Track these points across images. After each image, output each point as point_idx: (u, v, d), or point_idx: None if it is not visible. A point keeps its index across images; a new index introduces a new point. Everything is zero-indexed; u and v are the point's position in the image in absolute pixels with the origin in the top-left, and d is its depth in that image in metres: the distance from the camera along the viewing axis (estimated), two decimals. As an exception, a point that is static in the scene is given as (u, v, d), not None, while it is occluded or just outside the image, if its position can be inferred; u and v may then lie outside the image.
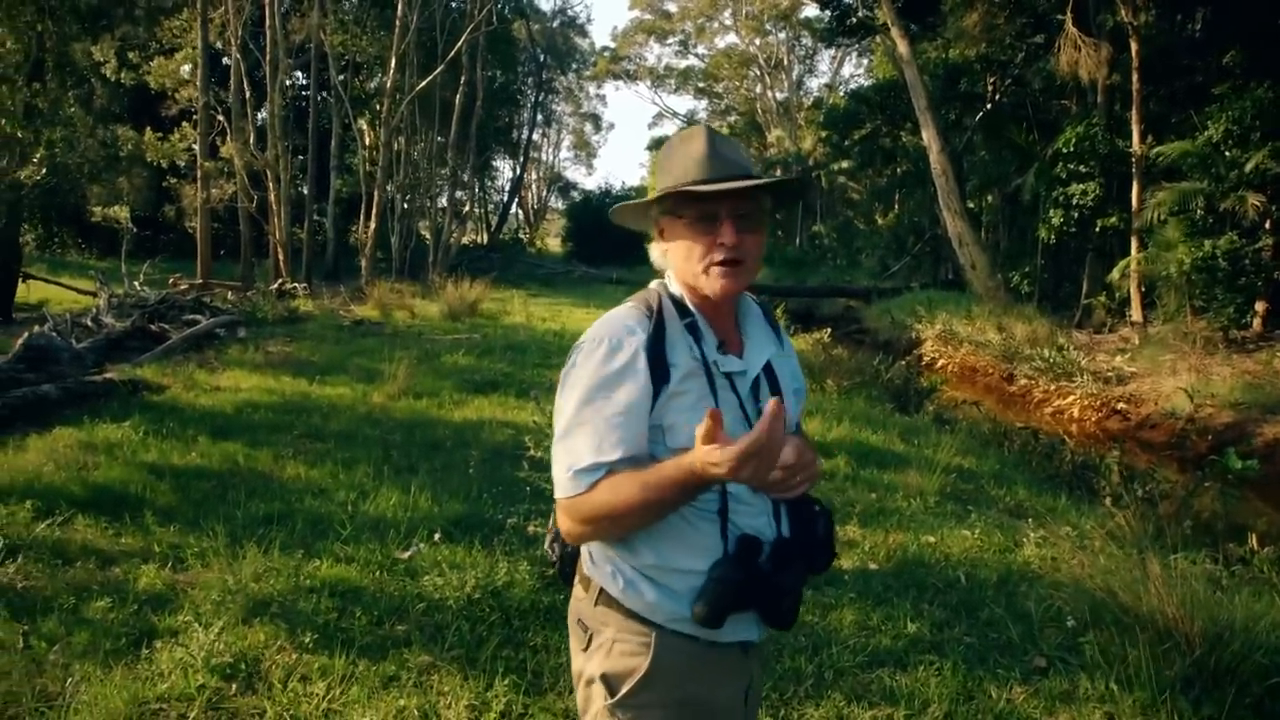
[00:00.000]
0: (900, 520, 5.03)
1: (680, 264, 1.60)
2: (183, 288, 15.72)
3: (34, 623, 3.38)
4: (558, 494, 1.54)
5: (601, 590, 1.60)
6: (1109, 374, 13.22)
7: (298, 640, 3.26)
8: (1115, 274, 16.20)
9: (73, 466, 5.35)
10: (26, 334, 8.69)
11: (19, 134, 9.70)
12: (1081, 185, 16.51)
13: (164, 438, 6.10)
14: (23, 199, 10.79)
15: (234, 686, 3.01)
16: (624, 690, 1.55)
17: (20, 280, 14.57)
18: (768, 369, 1.66)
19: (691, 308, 1.60)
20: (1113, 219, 16.43)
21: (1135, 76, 16.13)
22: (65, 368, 8.39)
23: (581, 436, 1.51)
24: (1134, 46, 16.06)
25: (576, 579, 1.69)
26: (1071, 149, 16.66)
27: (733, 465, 1.29)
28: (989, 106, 22.63)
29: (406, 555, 4.13)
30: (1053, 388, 13.43)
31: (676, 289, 1.63)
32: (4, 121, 9.39)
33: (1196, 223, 14.01)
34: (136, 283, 14.62)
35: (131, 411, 6.86)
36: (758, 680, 1.72)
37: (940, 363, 16.49)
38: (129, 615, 3.47)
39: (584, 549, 1.67)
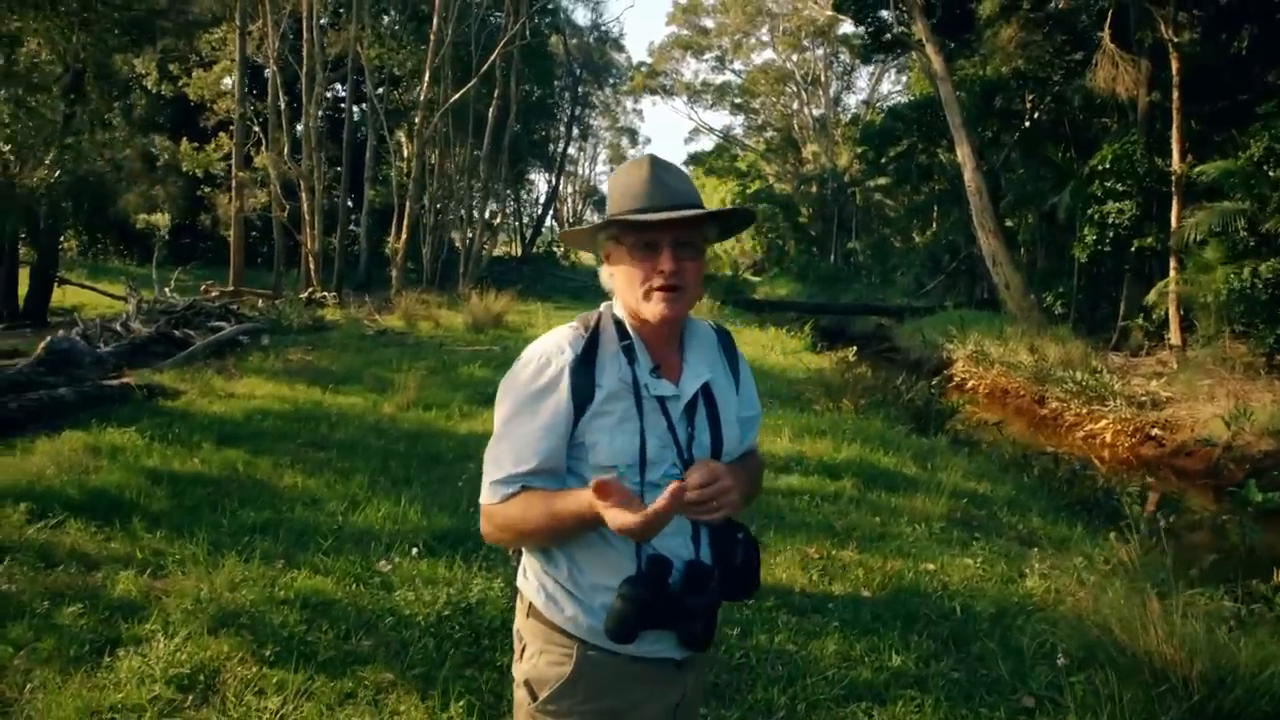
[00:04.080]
0: (901, 546, 4.86)
1: (623, 288, 1.63)
2: (213, 295, 15.96)
3: (3, 628, 3.37)
4: (481, 499, 1.63)
5: (531, 604, 1.66)
6: (1144, 398, 12.84)
7: (260, 653, 3.21)
8: (1153, 296, 15.79)
9: (74, 470, 5.38)
10: (49, 338, 8.85)
11: (31, 140, 9.89)
12: (1118, 204, 16.14)
13: (169, 443, 6.14)
14: (46, 204, 10.97)
15: (189, 698, 2.96)
16: (543, 695, 1.61)
17: (56, 285, 14.93)
18: (707, 395, 1.66)
19: (630, 331, 1.64)
20: (1149, 239, 16.03)
21: (1175, 94, 15.76)
22: (86, 371, 8.52)
23: (504, 449, 1.60)
24: (1174, 64, 15.71)
25: (517, 591, 1.74)
26: (1108, 167, 16.31)
27: (623, 529, 1.39)
28: (1027, 124, 22.28)
29: (386, 568, 4.07)
30: (1085, 411, 13.08)
31: (620, 311, 1.66)
32: (18, 126, 9.56)
33: (1237, 244, 13.60)
34: (168, 289, 14.87)
35: (142, 416, 6.93)
36: (693, 696, 1.73)
37: (971, 383, 16.17)
38: (98, 622, 3.45)
39: (521, 564, 1.73)
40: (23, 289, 14.65)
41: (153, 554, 4.17)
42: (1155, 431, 11.99)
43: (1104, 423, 12.52)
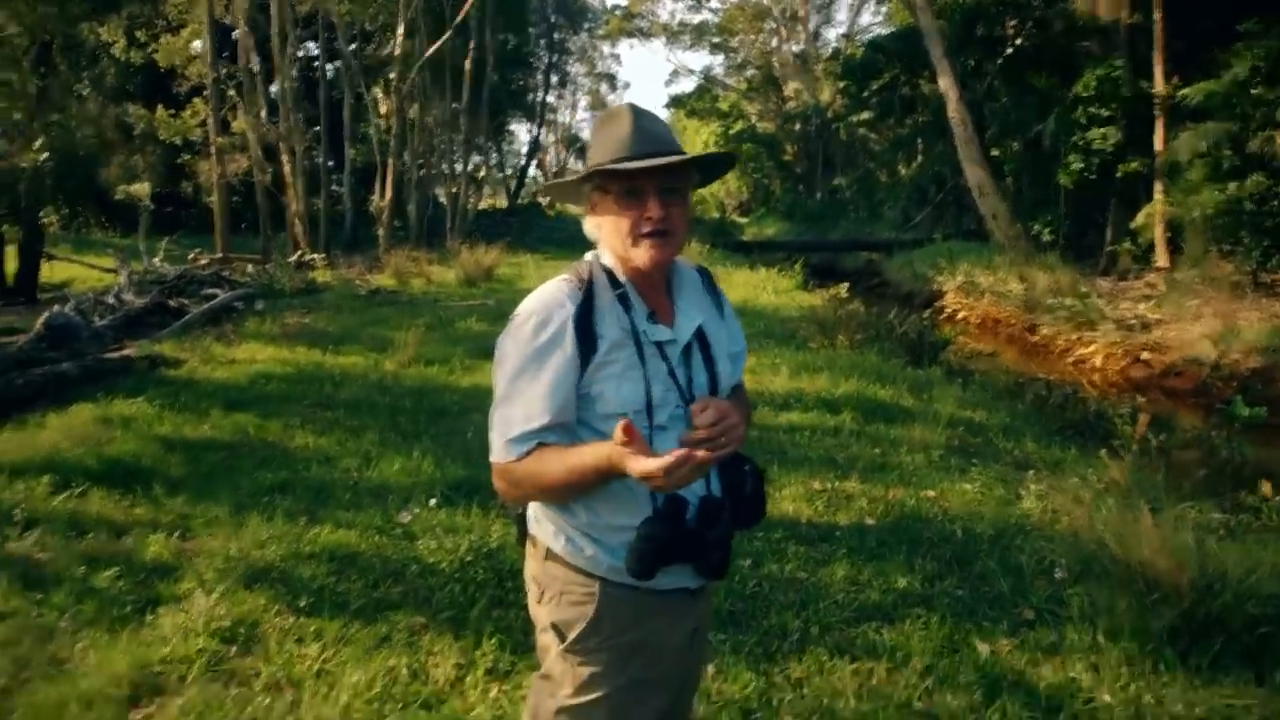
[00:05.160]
0: (901, 475, 5.02)
1: (611, 237, 1.65)
2: (202, 263, 15.89)
3: (45, 594, 3.50)
4: (492, 458, 1.65)
5: (548, 549, 1.71)
6: (1132, 321, 13.00)
7: (294, 604, 3.36)
8: (1139, 219, 15.85)
9: (89, 441, 5.46)
10: (46, 313, 8.85)
11: (18, 117, 9.78)
12: (1102, 130, 16.12)
13: (178, 411, 6.22)
14: (26, 181, 10.89)
15: (233, 649, 3.10)
16: (572, 636, 1.67)
17: (44, 260, 14.84)
18: (701, 335, 1.72)
19: (622, 279, 1.67)
20: (1134, 164, 16.04)
21: (1157, 15, 15.64)
22: (85, 345, 8.55)
23: (514, 407, 1.61)
24: (1157, -17, 15.57)
25: (527, 538, 1.80)
26: (1092, 92, 16.24)
27: (653, 479, 1.41)
28: (1009, 51, 22.05)
29: (406, 519, 4.21)
30: (1075, 337, 13.23)
31: (609, 260, 1.69)
32: (5, 105, 9.46)
33: (1222, 164, 13.64)
34: (157, 259, 14.79)
35: (147, 386, 6.99)
36: (705, 621, 1.82)
37: (962, 314, 16.30)
38: (135, 584, 3.58)
39: (530, 511, 1.78)
40: (9, 266, 14.57)
41: (178, 518, 4.29)
42: (1144, 354, 12.14)
43: (1094, 347, 12.68)
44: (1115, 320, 12.97)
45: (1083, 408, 7.99)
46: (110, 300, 11.52)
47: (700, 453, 1.40)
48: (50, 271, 15.59)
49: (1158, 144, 15.65)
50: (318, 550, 3.83)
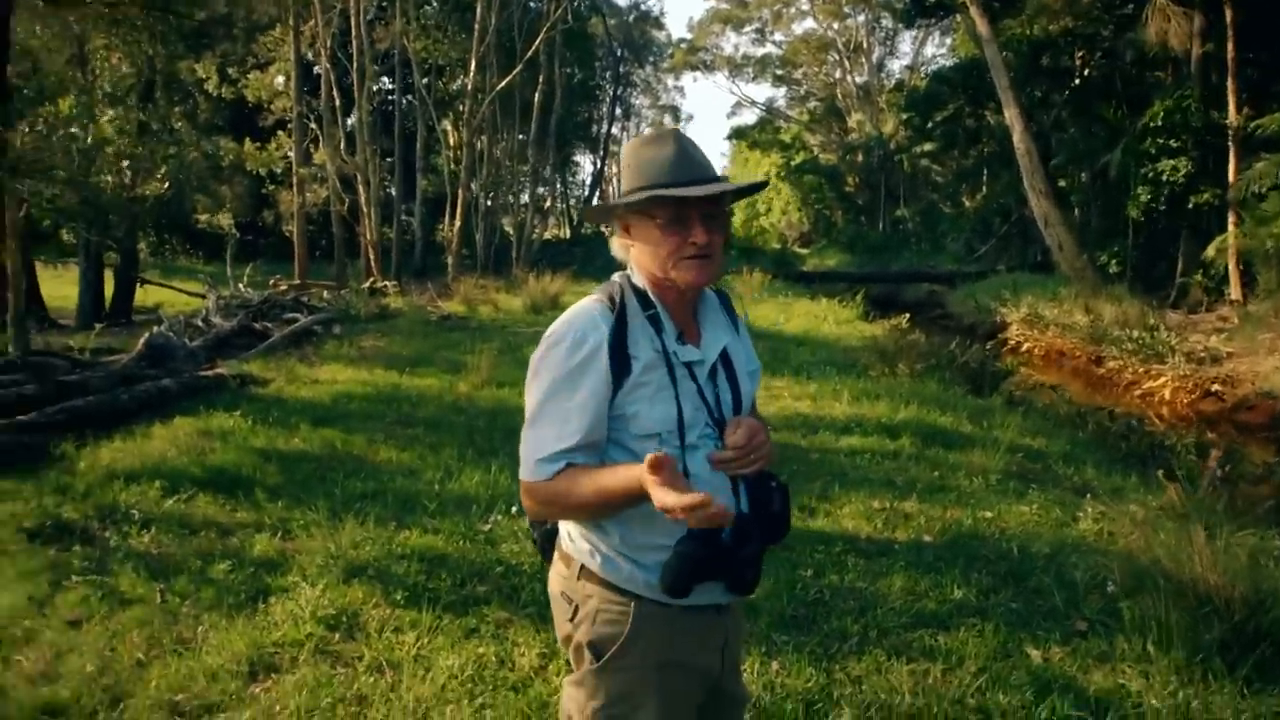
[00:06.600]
0: (959, 497, 5.16)
1: (648, 259, 1.67)
2: (282, 288, 16.68)
3: (168, 582, 3.87)
4: (521, 475, 1.66)
5: (582, 566, 1.72)
6: (1203, 355, 12.80)
7: (391, 598, 3.67)
8: (1211, 251, 15.61)
9: (193, 451, 5.91)
10: (147, 334, 9.50)
11: (138, 150, 10.59)
12: (1172, 161, 15.95)
13: (270, 425, 6.65)
14: (144, 211, 11.74)
15: (337, 635, 3.42)
16: (608, 655, 1.68)
17: (138, 285, 15.77)
18: (725, 356, 1.76)
19: (654, 300, 1.69)
20: (1206, 195, 15.81)
21: (1230, 45, 15.48)
22: (181, 364, 9.13)
23: (546, 426, 1.63)
24: (1229, 14, 15.42)
25: (556, 556, 1.81)
26: (1160, 123, 16.10)
27: (666, 509, 1.41)
28: (1076, 82, 21.93)
29: (487, 527, 4.51)
30: (1142, 369, 13.08)
31: (640, 281, 1.71)
32: (126, 140, 10.27)
33: (1298, 195, 13.43)
34: (241, 285, 15.59)
35: (240, 402, 7.47)
36: (734, 636, 1.84)
37: (1026, 346, 16.19)
38: (247, 576, 3.94)
39: (563, 529, 1.80)
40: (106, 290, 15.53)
41: (278, 520, 4.66)
42: (1215, 387, 11.95)
43: (1162, 380, 12.51)
44: (1185, 353, 12.79)
45: (1147, 438, 7.97)
46: (199, 323, 12.22)
47: (717, 507, 1.39)
48: (143, 295, 16.54)
49: (1231, 175, 15.42)
50: (408, 551, 4.15)
